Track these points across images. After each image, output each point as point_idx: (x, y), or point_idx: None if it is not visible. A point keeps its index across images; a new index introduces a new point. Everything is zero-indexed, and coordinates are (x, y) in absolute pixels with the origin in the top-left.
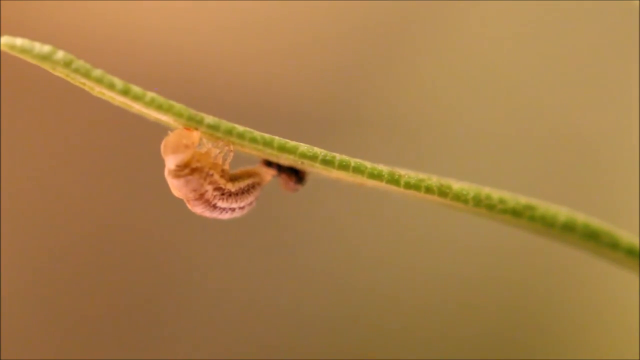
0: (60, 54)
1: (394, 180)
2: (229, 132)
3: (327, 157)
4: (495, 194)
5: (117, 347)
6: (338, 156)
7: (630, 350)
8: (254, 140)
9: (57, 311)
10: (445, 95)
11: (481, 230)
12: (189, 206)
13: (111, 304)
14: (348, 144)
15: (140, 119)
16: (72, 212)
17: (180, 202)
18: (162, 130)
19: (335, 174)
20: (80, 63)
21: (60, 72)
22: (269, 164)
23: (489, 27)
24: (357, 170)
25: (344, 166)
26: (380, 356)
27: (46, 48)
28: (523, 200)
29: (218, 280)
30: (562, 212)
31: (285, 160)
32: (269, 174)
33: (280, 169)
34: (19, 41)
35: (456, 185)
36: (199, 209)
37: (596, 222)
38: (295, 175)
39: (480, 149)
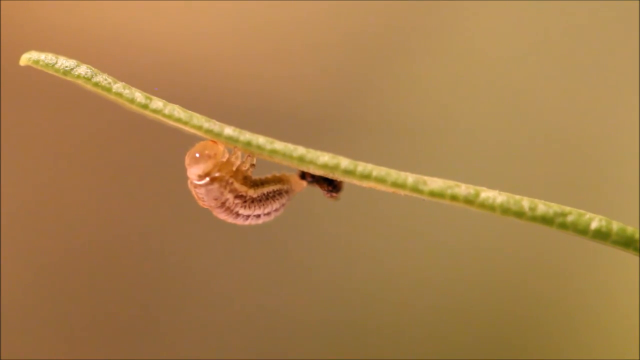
0: (82, 69)
1: (417, 190)
2: (248, 144)
3: (349, 167)
4: (526, 202)
5: (117, 348)
6: (360, 165)
7: (630, 350)
8: (274, 152)
9: (57, 311)
10: (443, 98)
11: (480, 231)
12: (214, 214)
13: (111, 305)
14: (346, 145)
15: (143, 119)
16: (73, 215)
17: (181, 204)
18: (164, 130)
19: (367, 183)
20: (102, 77)
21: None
22: (302, 175)
23: (486, 28)
24: (380, 180)
25: (365, 176)
26: (381, 357)
27: (68, 62)
28: (554, 207)
29: (218, 283)
30: (595, 220)
31: (313, 170)
32: (300, 184)
33: (314, 179)
34: (41, 56)
35: (483, 194)
36: (222, 217)
37: (630, 229)
38: (328, 184)
39: (477, 150)
